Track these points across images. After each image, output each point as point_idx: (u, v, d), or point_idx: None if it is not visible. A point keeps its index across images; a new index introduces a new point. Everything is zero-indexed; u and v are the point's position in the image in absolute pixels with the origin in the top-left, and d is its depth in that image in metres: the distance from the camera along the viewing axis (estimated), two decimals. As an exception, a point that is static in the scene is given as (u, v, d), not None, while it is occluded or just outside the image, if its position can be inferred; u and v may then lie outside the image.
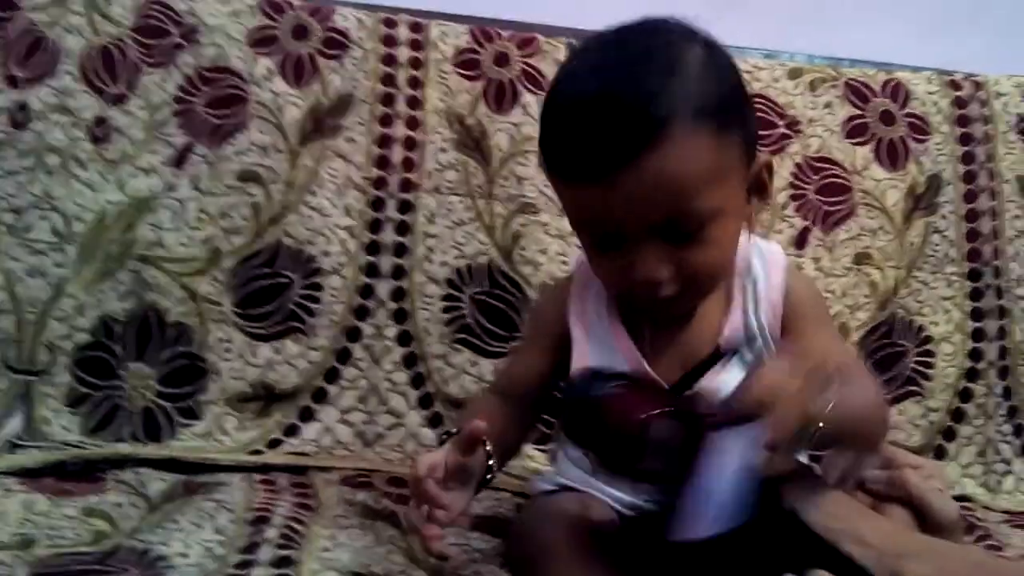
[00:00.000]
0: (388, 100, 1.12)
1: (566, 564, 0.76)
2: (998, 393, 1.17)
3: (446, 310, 1.10)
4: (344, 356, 1.09)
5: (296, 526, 0.85)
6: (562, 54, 1.16)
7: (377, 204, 1.11)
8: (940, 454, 1.16)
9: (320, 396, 1.08)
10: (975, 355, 1.18)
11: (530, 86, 1.15)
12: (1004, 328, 1.18)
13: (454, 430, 0.80)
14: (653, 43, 0.73)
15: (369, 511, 0.93)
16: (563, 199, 0.76)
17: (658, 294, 0.74)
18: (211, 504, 0.90)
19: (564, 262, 1.11)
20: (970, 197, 1.21)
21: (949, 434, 1.17)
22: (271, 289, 1.07)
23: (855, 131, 1.21)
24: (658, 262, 0.73)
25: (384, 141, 1.11)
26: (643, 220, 0.72)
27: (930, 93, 1.24)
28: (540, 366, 0.87)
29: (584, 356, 0.82)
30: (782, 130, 1.19)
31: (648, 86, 0.70)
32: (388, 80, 1.13)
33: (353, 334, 1.09)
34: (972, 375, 1.17)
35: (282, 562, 0.77)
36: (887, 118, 1.22)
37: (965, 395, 1.17)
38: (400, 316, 1.10)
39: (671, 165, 0.69)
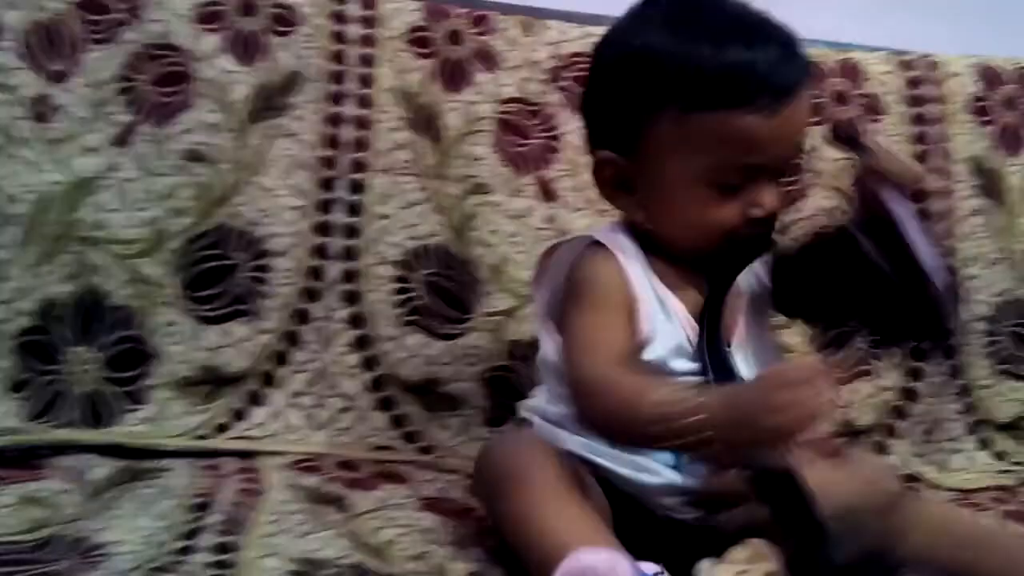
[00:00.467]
0: (338, 78, 1.10)
1: (540, 488, 0.75)
2: (947, 372, 1.18)
3: (398, 292, 1.09)
4: (293, 339, 1.07)
5: (240, 511, 0.84)
6: (516, 32, 1.15)
7: (327, 184, 1.09)
8: (890, 432, 1.17)
9: (269, 380, 1.06)
10: (926, 335, 1.18)
11: (483, 65, 1.13)
12: (954, 308, 1.19)
13: None
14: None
15: (316, 495, 0.92)
16: (708, 135, 0.77)
17: (767, 229, 0.81)
18: (153, 490, 0.88)
19: (517, 243, 1.11)
20: (922, 178, 1.21)
21: (899, 412, 1.17)
22: (218, 271, 1.05)
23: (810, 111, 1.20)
24: (774, 196, 0.81)
25: (334, 120, 1.10)
26: (790, 153, 0.82)
27: (884, 73, 1.23)
28: (628, 331, 0.81)
29: (648, 319, 0.81)
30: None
31: (788, 39, 0.81)
32: (338, 58, 1.11)
33: (302, 316, 1.07)
34: (922, 353, 1.18)
35: (223, 548, 0.77)
36: (841, 98, 1.22)
37: (916, 373, 1.18)
38: (351, 298, 1.08)
39: (809, 106, 0.83)
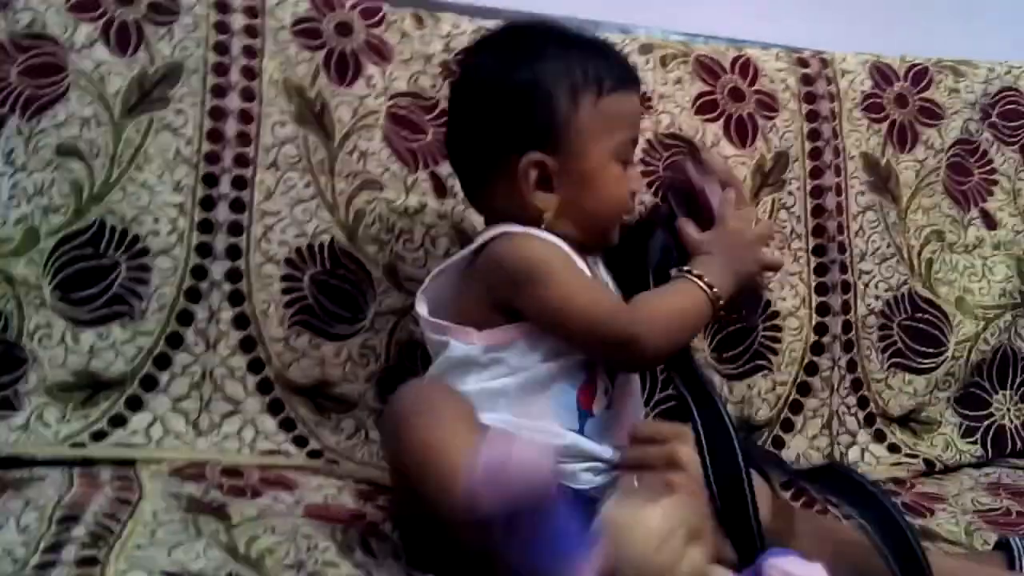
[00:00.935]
0: (221, 70, 1.06)
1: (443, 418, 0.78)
2: (842, 366, 1.19)
3: (285, 291, 1.05)
4: (176, 341, 1.03)
5: (110, 523, 0.79)
6: (408, 24, 1.12)
7: (210, 180, 1.05)
8: (788, 427, 1.17)
9: (150, 384, 1.02)
10: (820, 329, 1.19)
11: (375, 57, 1.10)
12: (848, 302, 1.20)
13: None
14: None
15: (195, 504, 0.88)
16: (615, 116, 0.92)
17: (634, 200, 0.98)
18: (19, 502, 0.83)
19: (409, 240, 1.08)
20: (816, 173, 1.22)
21: (796, 407, 1.18)
22: (95, 271, 1.01)
23: (705, 107, 1.21)
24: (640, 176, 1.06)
25: (217, 114, 1.05)
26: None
27: (778, 70, 1.24)
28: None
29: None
30: (633, 106, 1.18)
31: None
32: (221, 49, 1.07)
33: (185, 318, 1.03)
34: (817, 349, 1.19)
35: (86, 562, 0.72)
36: (736, 95, 1.22)
37: (811, 369, 1.18)
38: (236, 298, 1.04)
39: None
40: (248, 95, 1.07)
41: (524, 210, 0.91)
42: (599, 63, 0.92)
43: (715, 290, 0.91)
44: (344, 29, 1.10)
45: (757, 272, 1.02)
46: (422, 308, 0.93)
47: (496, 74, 0.93)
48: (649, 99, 1.19)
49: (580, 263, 0.91)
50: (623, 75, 0.94)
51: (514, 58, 0.93)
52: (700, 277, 0.92)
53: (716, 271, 0.93)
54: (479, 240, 0.92)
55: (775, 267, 1.07)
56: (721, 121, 1.21)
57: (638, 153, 1.16)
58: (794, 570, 0.65)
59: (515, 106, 0.91)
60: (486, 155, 0.93)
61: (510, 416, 0.85)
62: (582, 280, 0.89)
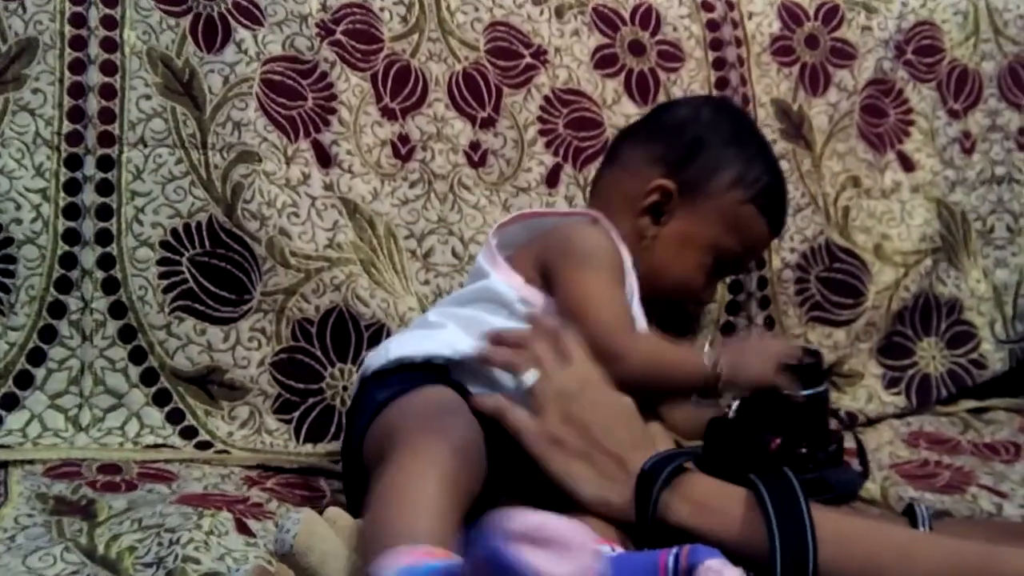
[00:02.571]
0: (79, 43, 1.00)
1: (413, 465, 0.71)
2: (760, 323, 1.15)
3: (163, 275, 1.00)
4: (49, 335, 0.97)
5: (-36, 531, 0.75)
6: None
7: (73, 162, 0.99)
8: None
9: (24, 381, 0.97)
10: (735, 287, 1.15)
11: (245, 20, 1.04)
12: (763, 257, 1.15)
13: None
14: None
15: (62, 504, 0.83)
16: (744, 227, 0.97)
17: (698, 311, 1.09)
18: None
19: (295, 214, 1.03)
20: (725, 123, 1.17)
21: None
22: (-47, 264, 0.95)
23: (604, 62, 1.15)
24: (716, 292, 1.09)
25: (77, 90, 1.00)
26: (747, 268, 1.14)
27: (681, 17, 1.19)
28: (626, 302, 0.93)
29: (631, 300, 0.93)
30: (528, 60, 1.13)
31: None
32: (78, 20, 1.01)
33: (57, 309, 0.97)
34: (733, 308, 1.15)
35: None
36: (637, 48, 1.17)
37: (727, 328, 1.14)
38: (110, 286, 0.99)
39: None
40: (109, 69, 1.00)
41: (623, 216, 0.96)
42: (772, 185, 0.98)
43: (716, 370, 0.86)
44: (211, -8, 1.04)
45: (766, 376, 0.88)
46: (494, 238, 0.95)
47: (703, 114, 1.01)
48: (545, 53, 1.13)
49: (628, 284, 0.93)
50: (777, 213, 1.00)
51: (726, 121, 1.01)
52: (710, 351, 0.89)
53: (729, 359, 0.86)
54: (572, 210, 1.00)
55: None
56: (621, 77, 1.16)
57: (533, 110, 1.12)
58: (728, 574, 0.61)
59: (693, 142, 0.97)
60: (640, 154, 0.99)
61: None
62: (614, 290, 0.90)
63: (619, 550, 0.70)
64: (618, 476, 0.75)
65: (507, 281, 0.91)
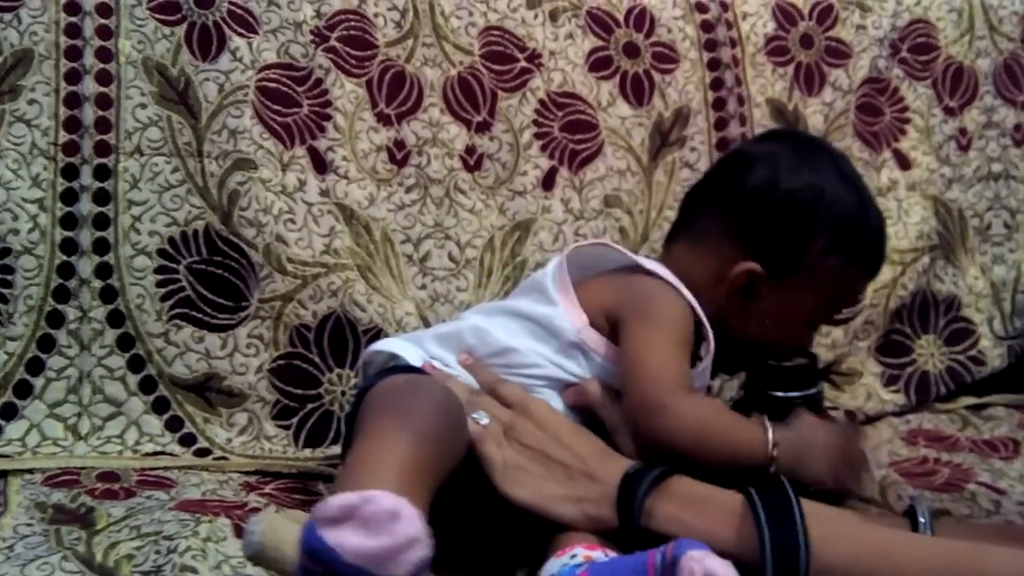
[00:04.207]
0: (75, 54, 1.00)
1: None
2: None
3: (161, 284, 1.00)
4: (47, 344, 0.98)
5: (-36, 541, 0.75)
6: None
7: (70, 172, 0.99)
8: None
9: (24, 390, 0.97)
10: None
11: (240, 29, 1.04)
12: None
13: None
14: None
15: (61, 512, 0.83)
16: (844, 288, 0.93)
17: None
18: None
19: (291, 220, 1.03)
20: (720, 125, 1.17)
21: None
22: (-48, 275, 0.95)
23: (598, 64, 1.15)
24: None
25: (73, 101, 1.00)
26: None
27: (675, 19, 1.19)
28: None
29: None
30: (522, 64, 1.13)
31: None
32: (73, 31, 1.01)
33: (55, 319, 0.98)
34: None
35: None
36: (631, 50, 1.17)
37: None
38: (108, 295, 0.99)
39: None
40: (105, 79, 1.01)
41: (706, 292, 0.88)
42: (868, 233, 0.91)
43: (776, 449, 0.80)
44: (205, 1, 1.04)
45: (827, 479, 0.83)
46: (567, 260, 0.90)
47: (782, 170, 0.91)
48: (540, 56, 1.14)
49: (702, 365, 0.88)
50: (875, 261, 0.94)
51: (812, 175, 0.91)
52: (774, 432, 0.81)
53: (794, 441, 0.81)
54: (655, 267, 0.89)
55: (847, 491, 0.87)
56: (616, 79, 1.16)
57: (528, 113, 1.12)
58: (715, 567, 0.62)
59: (779, 212, 0.89)
60: (720, 228, 0.91)
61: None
62: (678, 355, 0.84)
63: (611, 555, 0.70)
64: (591, 489, 0.75)
65: (572, 317, 0.87)
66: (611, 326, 0.86)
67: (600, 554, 0.70)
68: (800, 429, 0.83)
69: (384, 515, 0.55)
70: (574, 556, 0.71)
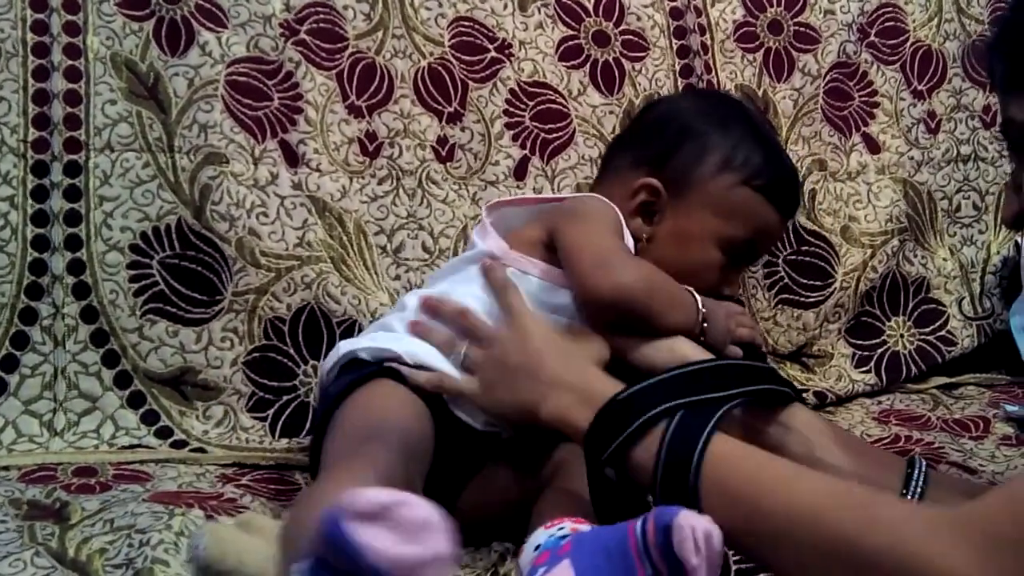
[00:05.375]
0: (42, 51, 1.01)
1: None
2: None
3: (134, 279, 1.00)
4: (21, 341, 0.98)
5: (-63, 539, 0.75)
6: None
7: (40, 169, 0.99)
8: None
9: (-2, 388, 0.97)
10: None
11: (208, 22, 1.04)
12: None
13: None
14: None
15: (35, 508, 0.84)
16: (744, 210, 0.94)
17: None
18: None
19: (264, 214, 1.03)
20: (690, 111, 1.18)
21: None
22: (-77, 274, 0.95)
23: (569, 53, 1.16)
24: (739, 286, 1.03)
25: (41, 97, 1.00)
26: (764, 255, 1.10)
27: (645, 7, 1.19)
28: None
29: None
30: (493, 54, 1.13)
31: None
32: (40, 28, 1.01)
33: (28, 316, 0.98)
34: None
35: None
36: (601, 39, 1.18)
37: (697, 313, 1.15)
38: (81, 291, 0.99)
39: None
40: (73, 75, 1.01)
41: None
42: (767, 163, 0.95)
43: (702, 313, 0.89)
44: (172, -4, 1.05)
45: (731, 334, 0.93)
46: (489, 216, 0.94)
47: (683, 105, 1.02)
48: (510, 46, 1.14)
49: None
50: (780, 191, 0.96)
51: (706, 108, 1.00)
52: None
53: (706, 303, 0.90)
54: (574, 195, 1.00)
55: (752, 341, 0.96)
56: (587, 68, 1.16)
57: (499, 103, 1.13)
58: (709, 526, 0.62)
59: (674, 136, 0.96)
60: (626, 158, 0.98)
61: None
62: (614, 239, 0.89)
63: (584, 527, 0.71)
64: (578, 396, 0.75)
65: (493, 248, 0.90)
66: (548, 251, 0.90)
67: (586, 527, 0.71)
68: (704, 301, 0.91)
69: (418, 522, 0.52)
70: (561, 528, 0.71)
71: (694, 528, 0.61)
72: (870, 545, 0.59)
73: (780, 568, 0.64)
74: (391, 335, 0.87)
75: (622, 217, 0.92)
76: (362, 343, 0.87)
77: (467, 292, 0.88)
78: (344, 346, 0.88)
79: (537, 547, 0.71)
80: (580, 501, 0.76)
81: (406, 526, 0.51)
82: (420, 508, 0.52)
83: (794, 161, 1.20)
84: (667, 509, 0.64)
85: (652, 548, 0.62)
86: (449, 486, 0.81)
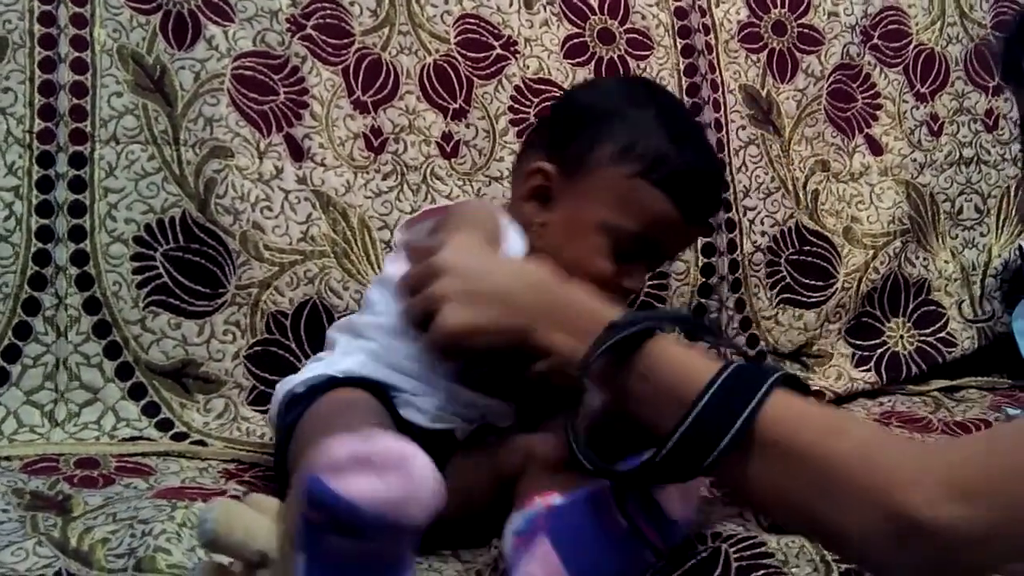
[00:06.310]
0: (49, 42, 1.01)
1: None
2: (730, 306, 1.16)
3: (137, 271, 1.00)
4: (23, 331, 0.98)
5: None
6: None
7: (45, 160, 0.99)
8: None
9: (0, 378, 0.97)
10: (707, 271, 1.16)
11: (214, 16, 1.05)
12: (734, 241, 1.17)
13: None
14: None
15: (38, 499, 0.83)
16: (637, 204, 0.87)
17: (626, 300, 0.91)
18: None
19: (268, 207, 1.03)
20: (694, 110, 1.17)
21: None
22: (-73, 263, 0.96)
23: (574, 51, 1.16)
24: (643, 281, 0.95)
25: (48, 89, 1.00)
26: (669, 255, 1.01)
27: (650, 5, 1.20)
28: None
29: None
30: (498, 51, 1.14)
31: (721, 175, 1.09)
32: (48, 19, 1.01)
33: (31, 306, 0.98)
34: (705, 291, 1.16)
35: None
36: (606, 36, 1.18)
37: (699, 311, 1.15)
38: (84, 282, 0.99)
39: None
40: (80, 67, 1.01)
41: (516, 206, 0.91)
42: (667, 156, 0.87)
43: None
44: (180, -11, 1.05)
45: None
46: (400, 233, 0.94)
47: (595, 92, 0.99)
48: (515, 43, 1.14)
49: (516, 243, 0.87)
50: (680, 187, 0.87)
51: (618, 94, 0.95)
52: None
53: None
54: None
55: None
56: (591, 65, 1.17)
57: (504, 100, 1.13)
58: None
59: (575, 120, 0.91)
60: (530, 142, 0.96)
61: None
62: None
63: (559, 500, 0.70)
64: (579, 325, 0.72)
65: (399, 266, 0.86)
66: None
67: (557, 498, 0.70)
68: None
69: (395, 456, 0.53)
70: (533, 506, 0.71)
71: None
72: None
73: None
74: (320, 363, 0.87)
75: (504, 217, 0.88)
76: (295, 380, 0.86)
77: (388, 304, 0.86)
78: (281, 388, 0.87)
79: (517, 532, 0.70)
80: (553, 476, 0.74)
81: (385, 463, 0.52)
82: (392, 442, 0.53)
83: (797, 161, 1.21)
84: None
85: (630, 499, 0.61)
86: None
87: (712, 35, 1.21)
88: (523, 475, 0.78)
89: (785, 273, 1.19)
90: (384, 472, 0.52)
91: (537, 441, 0.79)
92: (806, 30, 1.25)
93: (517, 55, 1.14)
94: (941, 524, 0.54)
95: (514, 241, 0.87)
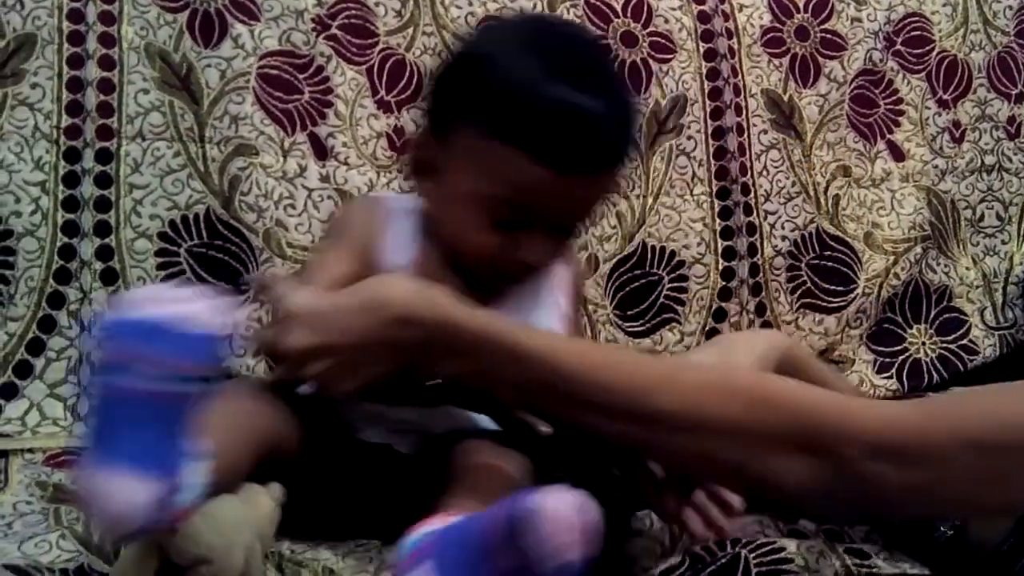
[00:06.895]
0: (77, 39, 1.02)
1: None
2: (751, 310, 1.16)
3: (161, 267, 1.02)
4: (48, 325, 0.99)
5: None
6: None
7: (72, 155, 1.01)
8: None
9: (24, 370, 0.98)
10: (727, 274, 1.16)
11: (241, 15, 1.05)
12: (754, 245, 1.17)
13: None
14: (609, 62, 0.94)
15: (60, 492, 0.84)
16: (511, 173, 0.75)
17: (530, 274, 0.81)
18: None
19: (291, 205, 1.04)
20: (716, 114, 1.18)
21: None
22: (-44, 257, 0.97)
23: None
24: (546, 251, 0.80)
25: (75, 85, 1.01)
26: (568, 218, 0.81)
27: (673, 9, 1.20)
28: (353, 263, 0.79)
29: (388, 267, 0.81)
30: (521, 54, 1.14)
31: (630, 116, 0.81)
32: (76, 16, 1.02)
33: (56, 300, 0.99)
34: (725, 294, 1.16)
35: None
36: (629, 39, 1.18)
37: (719, 315, 1.16)
38: (109, 277, 1.00)
39: (611, 185, 0.83)
40: (108, 64, 1.02)
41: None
42: (531, 104, 0.74)
43: None
44: (207, -12, 1.06)
45: None
46: None
47: (467, 41, 0.91)
48: (538, 46, 1.15)
49: (400, 243, 0.81)
50: (543, 143, 0.74)
51: (489, 39, 0.85)
52: None
53: None
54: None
55: None
56: (615, 68, 1.17)
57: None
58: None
59: (448, 78, 0.80)
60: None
61: None
62: (326, 253, 0.81)
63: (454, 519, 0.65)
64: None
65: None
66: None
67: (455, 519, 0.64)
68: None
69: (186, 295, 0.57)
70: (431, 526, 0.65)
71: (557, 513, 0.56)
72: None
73: None
74: None
75: (381, 216, 0.82)
76: None
77: None
78: None
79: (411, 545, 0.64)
80: (470, 494, 0.69)
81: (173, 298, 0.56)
82: (183, 291, 0.56)
83: (819, 166, 1.21)
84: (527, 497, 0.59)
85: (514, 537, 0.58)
86: (365, 509, 0.76)
87: (735, 39, 1.21)
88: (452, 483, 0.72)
89: (806, 278, 1.19)
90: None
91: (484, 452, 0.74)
92: (829, 35, 1.25)
93: (540, 57, 1.15)
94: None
95: (394, 242, 0.81)
